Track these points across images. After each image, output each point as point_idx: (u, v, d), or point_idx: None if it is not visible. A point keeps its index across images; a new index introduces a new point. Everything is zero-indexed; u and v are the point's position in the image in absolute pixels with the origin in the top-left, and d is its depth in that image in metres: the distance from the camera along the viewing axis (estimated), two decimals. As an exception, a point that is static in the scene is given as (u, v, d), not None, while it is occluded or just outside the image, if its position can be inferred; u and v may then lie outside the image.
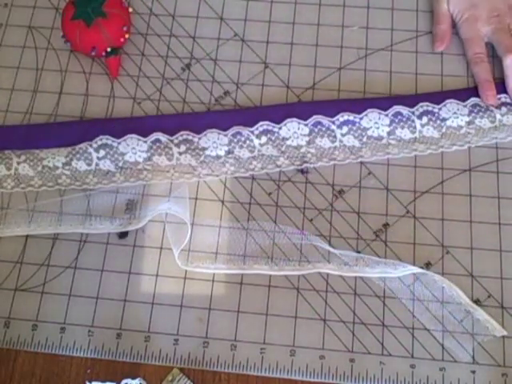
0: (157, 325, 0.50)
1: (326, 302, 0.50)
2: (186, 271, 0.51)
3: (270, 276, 0.51)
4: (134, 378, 0.48)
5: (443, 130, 0.54)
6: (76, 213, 0.53)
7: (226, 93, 0.57)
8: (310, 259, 0.51)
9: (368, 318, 0.49)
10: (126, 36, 0.57)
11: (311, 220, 0.52)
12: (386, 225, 0.52)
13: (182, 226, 0.51)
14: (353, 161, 0.54)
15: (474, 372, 0.48)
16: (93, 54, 0.56)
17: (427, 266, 0.51)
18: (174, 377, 0.48)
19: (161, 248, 0.52)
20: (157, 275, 0.51)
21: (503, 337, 0.48)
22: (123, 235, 0.52)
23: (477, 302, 0.49)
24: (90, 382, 0.48)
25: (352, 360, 0.48)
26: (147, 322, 0.50)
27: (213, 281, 0.51)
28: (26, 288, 0.51)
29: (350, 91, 0.56)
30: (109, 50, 0.56)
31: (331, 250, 0.50)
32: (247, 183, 0.54)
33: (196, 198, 0.53)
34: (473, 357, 0.48)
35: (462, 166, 0.54)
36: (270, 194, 0.53)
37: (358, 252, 0.51)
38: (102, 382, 0.48)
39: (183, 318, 0.50)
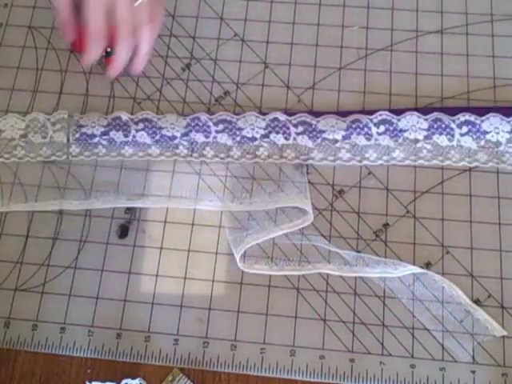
0: (157, 325, 0.50)
1: (326, 302, 0.50)
2: (185, 271, 0.51)
3: (270, 276, 0.51)
4: (134, 377, 0.48)
5: (482, 143, 0.53)
6: (76, 213, 0.53)
7: (226, 93, 0.57)
8: (310, 259, 0.51)
9: (368, 318, 0.49)
10: (126, 36, 0.57)
11: (311, 220, 0.52)
12: (386, 225, 0.52)
13: (238, 229, 0.51)
14: (384, 163, 0.53)
15: (473, 372, 0.48)
16: (93, 54, 0.56)
17: (427, 266, 0.51)
18: (173, 377, 0.48)
19: (161, 248, 0.52)
20: (157, 275, 0.51)
21: (503, 337, 0.48)
22: (123, 235, 0.52)
23: (477, 302, 0.49)
24: (90, 382, 0.48)
25: (352, 360, 0.48)
26: (147, 322, 0.50)
27: (213, 281, 0.51)
28: (26, 288, 0.51)
29: (350, 91, 0.56)
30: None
31: (331, 248, 0.50)
32: (247, 183, 0.54)
33: (196, 199, 0.53)
34: (473, 357, 0.48)
35: (462, 166, 0.54)
36: (270, 194, 0.53)
37: (358, 252, 0.51)
38: (102, 382, 0.48)
39: (183, 317, 0.50)
